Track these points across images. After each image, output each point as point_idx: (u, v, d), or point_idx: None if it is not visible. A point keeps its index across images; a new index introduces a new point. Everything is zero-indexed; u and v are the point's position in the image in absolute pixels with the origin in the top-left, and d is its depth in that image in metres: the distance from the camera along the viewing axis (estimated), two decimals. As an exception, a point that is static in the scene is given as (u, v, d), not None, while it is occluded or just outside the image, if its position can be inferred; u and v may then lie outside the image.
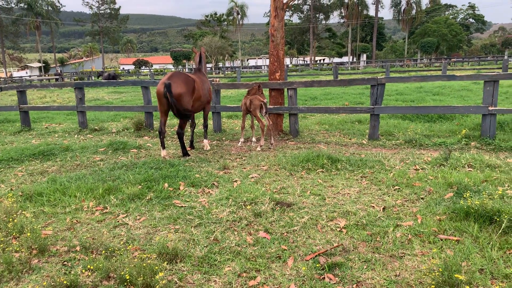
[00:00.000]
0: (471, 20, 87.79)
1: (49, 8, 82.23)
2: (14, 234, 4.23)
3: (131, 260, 3.46)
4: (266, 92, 10.14)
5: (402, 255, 3.69)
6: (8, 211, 4.64)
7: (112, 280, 3.39)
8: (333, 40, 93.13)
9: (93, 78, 52.04)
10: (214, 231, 4.30)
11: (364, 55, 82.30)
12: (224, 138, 9.81)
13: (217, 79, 10.60)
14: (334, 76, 30.08)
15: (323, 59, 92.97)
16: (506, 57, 44.38)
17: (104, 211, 5.04)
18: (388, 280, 3.31)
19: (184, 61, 75.98)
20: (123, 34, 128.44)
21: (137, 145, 8.99)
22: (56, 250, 3.98)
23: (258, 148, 8.35)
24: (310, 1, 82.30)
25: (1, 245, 3.96)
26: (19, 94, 12.44)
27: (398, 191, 5.39)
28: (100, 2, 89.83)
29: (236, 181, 6.08)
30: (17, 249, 3.89)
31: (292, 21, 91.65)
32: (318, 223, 4.45)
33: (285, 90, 9.83)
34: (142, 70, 72.95)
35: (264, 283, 3.33)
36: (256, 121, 8.75)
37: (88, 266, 3.47)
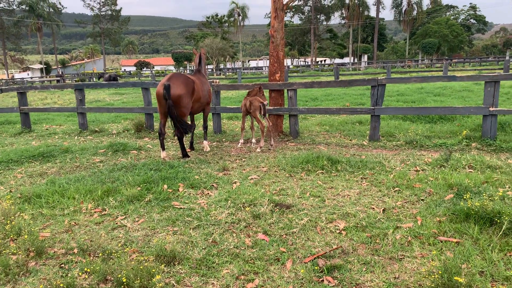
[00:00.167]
0: (472, 20, 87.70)
1: (51, 9, 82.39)
2: (11, 236, 4.21)
3: (128, 262, 3.43)
4: (266, 93, 10.11)
5: (402, 257, 3.66)
6: (6, 213, 4.62)
7: (109, 283, 3.36)
8: (334, 41, 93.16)
9: (94, 80, 52.06)
10: (212, 233, 4.28)
11: (365, 56, 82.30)
12: (224, 139, 9.79)
13: (217, 80, 10.58)
14: (335, 77, 30.07)
15: (324, 60, 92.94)
16: (507, 57, 44.33)
17: (102, 213, 5.02)
18: (387, 283, 3.28)
19: (186, 62, 76.04)
20: (125, 36, 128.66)
21: (137, 147, 8.97)
22: (54, 252, 3.96)
23: (258, 149, 8.32)
24: (311, 2, 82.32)
25: (-2, 248, 3.94)
26: (19, 95, 12.44)
27: (398, 193, 5.36)
28: (101, 4, 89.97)
29: (235, 182, 6.06)
30: (14, 251, 3.86)
31: (293, 22, 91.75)
32: (317, 225, 4.42)
33: (285, 91, 9.81)
34: (144, 72, 73.00)
35: (262, 286, 3.31)
36: (256, 123, 8.72)
37: (85, 269, 3.45)
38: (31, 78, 64.14)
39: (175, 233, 4.34)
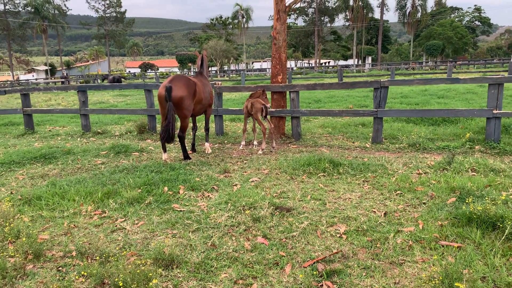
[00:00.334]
0: (477, 22, 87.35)
1: (56, 11, 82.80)
2: (10, 238, 4.20)
3: (126, 266, 3.40)
4: (268, 95, 10.08)
5: (402, 262, 3.61)
6: (5, 215, 4.61)
7: (106, 286, 3.34)
8: (338, 43, 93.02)
9: (98, 81, 52.21)
10: (212, 236, 4.24)
11: (370, 58, 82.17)
12: (226, 141, 9.76)
13: (219, 82, 10.56)
14: (339, 78, 29.99)
15: (328, 62, 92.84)
16: (512, 59, 44.08)
17: (102, 215, 5.00)
18: (387, 288, 3.23)
19: (190, 64, 76.25)
20: (129, 38, 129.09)
21: (139, 148, 8.96)
22: (52, 255, 3.94)
23: (260, 152, 8.29)
24: (315, 4, 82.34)
25: (-4, 250, 3.93)
26: (22, 97, 12.47)
27: (400, 196, 5.31)
28: (106, 6, 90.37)
29: (236, 185, 6.03)
30: (12, 254, 3.85)
31: (297, 24, 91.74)
32: (317, 229, 4.38)
33: (287, 93, 9.77)
34: (148, 73, 73.19)
35: (261, 290, 3.27)
36: (258, 125, 8.69)
37: (82, 272, 3.43)
38: (36, 79, 64.42)
39: (174, 236, 4.31)
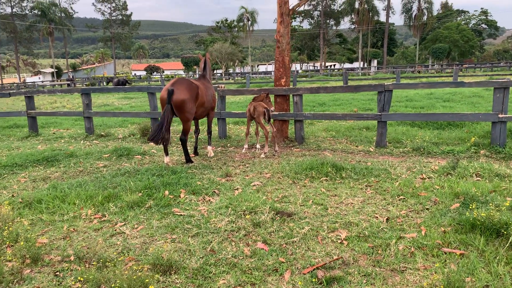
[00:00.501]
0: (483, 25, 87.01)
1: (62, 14, 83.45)
2: (8, 242, 4.17)
3: (123, 271, 3.37)
4: (272, 98, 10.04)
5: (404, 269, 3.55)
6: (4, 219, 4.59)
7: (103, 292, 3.30)
8: (344, 45, 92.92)
9: (104, 84, 52.41)
10: (211, 242, 4.20)
11: (375, 61, 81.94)
12: (229, 145, 9.72)
13: (222, 85, 10.53)
14: (344, 82, 29.93)
15: (334, 65, 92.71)
16: (519, 63, 43.79)
17: (102, 219, 4.97)
18: (388, 296, 3.17)
19: (195, 67, 76.42)
20: (135, 40, 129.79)
21: (141, 151, 8.94)
22: (50, 259, 3.91)
23: (262, 155, 8.24)
24: (320, 7, 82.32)
25: (-7, 254, 3.91)
26: (27, 100, 12.50)
27: (403, 201, 5.24)
28: (112, 9, 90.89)
29: (237, 189, 5.98)
30: (10, 258, 3.82)
31: (302, 27, 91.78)
32: (318, 234, 4.32)
33: (291, 96, 9.73)
34: (154, 76, 73.43)
35: (259, 298, 3.22)
36: (261, 128, 8.65)
37: (79, 278, 3.39)
38: (42, 82, 64.82)
39: (173, 241, 4.27)
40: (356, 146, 9.08)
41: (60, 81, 68.33)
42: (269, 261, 3.76)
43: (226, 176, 6.75)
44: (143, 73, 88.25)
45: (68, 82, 55.67)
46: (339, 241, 4.15)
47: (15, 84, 55.98)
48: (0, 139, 12.03)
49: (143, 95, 28.76)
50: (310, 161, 6.98)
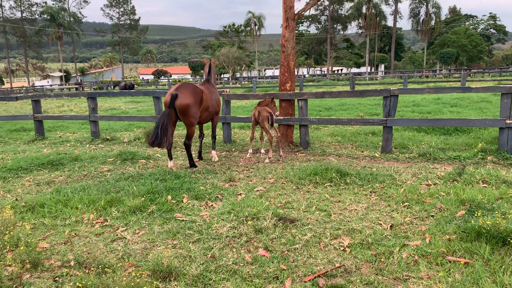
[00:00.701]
0: (492, 30, 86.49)
1: (71, 19, 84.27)
2: (9, 247, 4.16)
3: (121, 278, 3.33)
4: (276, 102, 10.00)
5: (407, 277, 3.48)
6: (6, 223, 4.58)
7: (101, 298, 3.27)
8: (351, 50, 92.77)
9: (110, 88, 52.72)
10: (212, 248, 4.16)
11: (382, 66, 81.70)
12: (233, 149, 9.69)
13: (227, 90, 10.52)
14: (351, 86, 29.86)
15: (341, 69, 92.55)
16: (528, 68, 43.43)
17: (104, 224, 4.95)
18: (390, 306, 3.11)
19: (202, 71, 76.54)
20: (143, 45, 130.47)
21: (146, 156, 8.93)
22: (50, 264, 3.89)
23: (267, 160, 8.20)
24: (327, 12, 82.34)
25: (-7, 259, 3.89)
26: (33, 103, 12.58)
27: (407, 208, 5.17)
28: (121, 13, 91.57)
29: (240, 194, 5.94)
30: (10, 263, 3.80)
31: (309, 31, 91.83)
32: (321, 241, 4.26)
33: (296, 101, 9.69)
34: (161, 80, 73.77)
35: (258, 306, 3.17)
36: (265, 133, 8.61)
37: (78, 284, 3.36)
38: (51, 85, 65.36)
39: (174, 247, 4.24)
40: (362, 152, 9.01)
41: (69, 85, 68.90)
42: (270, 268, 3.71)
43: (230, 181, 6.71)
44: (151, 77, 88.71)
45: (76, 86, 56.13)
46: (341, 248, 4.09)
47: (24, 88, 56.52)
48: (7, 143, 12.11)
49: (149, 99, 28.86)
50: (314, 166, 6.93)
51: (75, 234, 4.66)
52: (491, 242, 3.87)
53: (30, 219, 5.13)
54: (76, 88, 54.61)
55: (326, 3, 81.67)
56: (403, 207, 5.22)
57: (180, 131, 12.52)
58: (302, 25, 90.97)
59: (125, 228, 4.81)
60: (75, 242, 4.45)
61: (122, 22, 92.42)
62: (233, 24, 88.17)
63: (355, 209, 5.21)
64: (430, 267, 3.64)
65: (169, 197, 5.69)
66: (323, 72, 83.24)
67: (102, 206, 5.43)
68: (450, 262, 3.68)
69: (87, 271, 3.69)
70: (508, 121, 7.61)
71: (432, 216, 4.85)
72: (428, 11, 76.81)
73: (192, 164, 7.74)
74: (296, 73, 77.85)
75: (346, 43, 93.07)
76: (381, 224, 4.67)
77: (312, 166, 6.96)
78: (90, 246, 4.32)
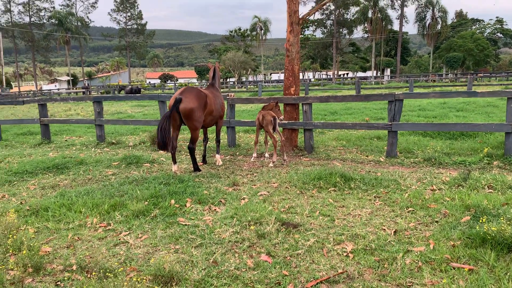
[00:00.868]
0: (499, 34, 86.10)
1: (79, 23, 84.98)
2: (12, 251, 4.17)
3: (122, 283, 3.33)
4: (281, 106, 9.99)
5: (410, 284, 3.45)
6: (9, 227, 4.60)
7: (102, 303, 3.26)
8: (357, 54, 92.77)
9: (116, 92, 52.99)
10: (214, 253, 4.14)
11: (388, 70, 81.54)
12: (237, 153, 9.69)
13: (232, 94, 10.53)
14: (357, 90, 29.83)
15: (347, 74, 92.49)
16: (536, 72, 43.14)
17: (107, 228, 4.95)
18: (392, 313, 3.07)
19: (208, 75, 76.86)
20: (150, 49, 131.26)
21: (150, 159, 8.95)
22: (52, 268, 3.89)
23: (271, 164, 8.19)
24: (333, 16, 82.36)
25: (-4, 263, 3.90)
26: (40, 107, 12.66)
27: (411, 213, 5.13)
28: (128, 18, 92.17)
29: (244, 198, 5.92)
30: (12, 267, 3.81)
31: (315, 35, 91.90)
32: (324, 247, 4.23)
33: (300, 105, 9.67)
34: (168, 84, 74.06)
35: (260, 312, 3.15)
36: (269, 137, 8.60)
37: (79, 288, 3.36)
38: (58, 89, 65.87)
39: (176, 252, 4.23)
40: (367, 156, 8.97)
41: (76, 89, 69.39)
42: (272, 274, 3.68)
43: (233, 185, 6.70)
44: (158, 81, 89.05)
45: (83, 90, 56.50)
46: (344, 254, 4.06)
47: (31, 92, 56.98)
48: (13, 146, 12.19)
49: (156, 103, 28.92)
50: (318, 170, 6.90)
51: (78, 238, 4.67)
52: (496, 248, 3.83)
53: (34, 223, 5.14)
54: (83, 92, 54.96)
55: (332, 7, 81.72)
56: (407, 212, 5.18)
57: (184, 135, 12.54)
58: (308, 30, 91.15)
59: (128, 232, 4.80)
60: (78, 246, 4.46)
61: (129, 26, 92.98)
62: (239, 29, 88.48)
63: (359, 214, 5.18)
64: (434, 273, 3.60)
65: (173, 201, 5.69)
66: (328, 76, 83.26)
67: (105, 210, 5.43)
68: (454, 268, 3.63)
69: (88, 276, 3.69)
70: (514, 126, 7.54)
71: (437, 221, 4.80)
72: (434, 15, 76.64)
73: (196, 168, 7.74)
74: (301, 77, 77.85)
75: (352, 47, 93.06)
76: (385, 229, 4.64)
77: (316, 171, 6.93)
78: (92, 250, 4.32)
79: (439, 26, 76.11)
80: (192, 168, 7.85)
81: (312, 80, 69.71)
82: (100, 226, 5.00)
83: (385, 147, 9.14)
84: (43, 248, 4.33)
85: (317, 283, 3.48)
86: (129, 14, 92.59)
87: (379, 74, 79.81)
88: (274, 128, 8.21)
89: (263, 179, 7.08)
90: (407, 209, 5.25)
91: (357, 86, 30.04)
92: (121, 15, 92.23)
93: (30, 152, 10.82)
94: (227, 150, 10.08)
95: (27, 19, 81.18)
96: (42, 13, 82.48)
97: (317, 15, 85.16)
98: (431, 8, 76.92)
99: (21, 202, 6.13)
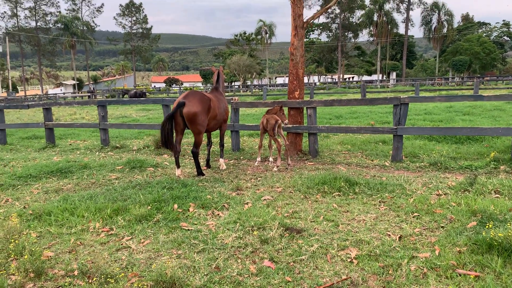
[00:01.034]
0: (505, 38, 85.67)
1: (84, 28, 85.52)
2: (14, 255, 4.15)
3: (123, 288, 3.30)
4: (285, 110, 9.95)
5: (415, 291, 3.39)
6: (12, 231, 4.58)
7: (103, 309, 3.23)
8: (362, 58, 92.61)
9: (120, 96, 53.19)
10: (217, 258, 4.10)
11: (394, 74, 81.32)
12: (241, 157, 9.65)
13: (236, 98, 10.51)
14: (362, 94, 29.74)
15: (352, 77, 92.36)
16: (542, 75, 42.86)
17: (109, 233, 4.93)
18: (397, 321, 3.02)
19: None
20: (155, 53, 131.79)
21: (154, 164, 8.93)
22: (53, 274, 3.87)
23: (275, 169, 8.14)
24: (338, 20, 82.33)
25: (-3, 268, 3.88)
26: (44, 111, 12.70)
27: (417, 219, 5.06)
28: (133, 22, 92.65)
29: (247, 203, 5.88)
30: (13, 272, 3.79)
31: (320, 39, 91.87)
32: (328, 253, 4.18)
33: (305, 109, 9.63)
34: (173, 88, 74.30)
35: (262, 319, 3.10)
36: (273, 141, 8.56)
37: (80, 294, 3.33)
38: (64, 93, 66.19)
39: (178, 257, 4.19)
40: (372, 160, 8.90)
41: (81, 92, 69.73)
42: (275, 280, 3.64)
43: (237, 189, 6.66)
44: (163, 85, 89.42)
45: (89, 94, 56.78)
46: (348, 259, 4.00)
47: (37, 96, 57.33)
48: (18, 150, 12.23)
49: (161, 106, 28.99)
50: (322, 175, 6.84)
51: (80, 242, 4.64)
52: (503, 255, 3.76)
53: (37, 227, 5.13)
54: (89, 96, 55.24)
55: (337, 11, 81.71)
56: (413, 217, 5.11)
57: (188, 139, 12.53)
58: (313, 33, 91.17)
59: (131, 237, 4.77)
60: (80, 251, 4.43)
61: (135, 31, 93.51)
62: (244, 33, 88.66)
63: (364, 220, 5.12)
64: (440, 280, 3.54)
65: (176, 206, 5.65)
66: (334, 80, 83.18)
67: (108, 215, 5.41)
68: (460, 275, 3.57)
69: (90, 281, 3.66)
70: (521, 130, 7.46)
71: (442, 227, 4.73)
72: (440, 19, 76.44)
73: (200, 172, 7.71)
74: (306, 81, 77.66)
75: (357, 51, 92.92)
76: (389, 235, 4.58)
77: (320, 175, 6.87)
78: (94, 255, 4.29)
79: (445, 30, 75.87)
80: (196, 173, 7.82)
81: (318, 84, 69.72)
82: (102, 231, 4.97)
83: (391, 151, 9.07)
84: (45, 253, 4.31)
85: (320, 290, 3.43)
86: (134, 18, 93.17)
87: (384, 78, 79.62)
88: (273, 130, 8.15)
89: (267, 184, 7.03)
90: (412, 214, 5.19)
91: (362, 90, 29.95)
92: (126, 19, 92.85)
93: (34, 156, 10.84)
94: (231, 154, 10.05)
95: (33, 24, 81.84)
96: (48, 18, 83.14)
97: (322, 19, 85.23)
98: (437, 11, 76.73)
99: (24, 206, 6.13)
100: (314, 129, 9.22)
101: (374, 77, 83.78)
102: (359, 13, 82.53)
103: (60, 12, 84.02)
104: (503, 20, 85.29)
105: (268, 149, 9.12)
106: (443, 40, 77.00)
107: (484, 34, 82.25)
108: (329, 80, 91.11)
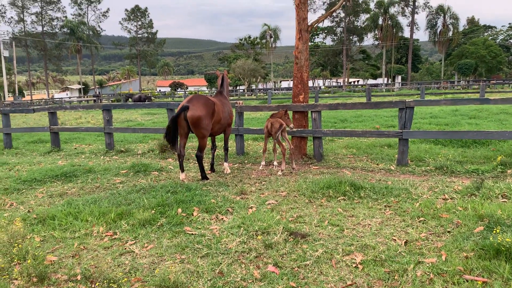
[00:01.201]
0: (511, 41, 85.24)
1: (90, 32, 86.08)
2: (17, 260, 4.14)
3: (126, 294, 3.27)
4: (290, 114, 9.92)
5: (422, 297, 3.34)
6: (15, 235, 4.57)
7: (105, 314, 3.20)
8: (367, 61, 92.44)
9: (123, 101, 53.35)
10: (220, 263, 4.07)
11: (399, 77, 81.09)
12: (246, 161, 9.62)
13: (241, 101, 10.49)
14: (367, 98, 29.63)
15: (358, 81, 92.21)
16: (549, 79, 42.59)
17: (113, 237, 4.91)
18: (403, 327, 2.97)
19: (218, 83, 77.13)
20: (161, 58, 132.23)
21: (158, 168, 8.92)
22: (56, 278, 3.85)
23: (280, 173, 8.10)
24: (343, 24, 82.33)
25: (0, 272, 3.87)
26: (50, 115, 12.75)
27: (423, 223, 5.00)
28: (138, 27, 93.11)
29: (251, 207, 5.84)
30: (16, 276, 3.77)
31: (325, 43, 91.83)
32: (333, 258, 4.13)
33: (309, 113, 9.60)
34: (178, 92, 74.51)
35: (266, 325, 3.06)
36: (278, 145, 8.53)
37: (82, 299, 3.31)
38: (70, 98, 66.61)
39: (182, 262, 4.16)
40: (377, 164, 8.84)
41: (87, 97, 70.07)
42: (279, 285, 3.60)
43: (241, 193, 6.63)
44: (168, 89, 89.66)
45: (94, 98, 57.05)
46: (354, 265, 3.96)
47: (43, 100, 57.70)
48: (23, 154, 12.27)
49: (166, 110, 29.03)
50: (327, 179, 6.80)
51: (83, 247, 4.62)
52: (511, 260, 3.70)
53: (40, 232, 5.12)
54: (94, 101, 55.49)
55: (342, 15, 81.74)
56: (419, 222, 5.05)
57: (192, 143, 12.52)
58: (318, 37, 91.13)
59: (134, 241, 4.75)
60: (83, 255, 4.41)
61: (140, 35, 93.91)
62: (249, 37, 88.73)
63: (369, 224, 5.07)
64: (446, 286, 3.49)
65: (180, 210, 5.63)
66: (339, 84, 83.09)
67: (112, 219, 5.39)
68: (467, 281, 3.51)
69: (92, 286, 3.63)
70: (528, 134, 7.39)
71: (449, 232, 4.67)
72: (446, 22, 76.28)
73: (204, 176, 7.69)
74: (311, 84, 77.61)
75: (362, 54, 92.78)
76: (395, 240, 4.52)
77: (325, 179, 6.83)
78: (97, 259, 4.27)
79: (450, 33, 75.69)
80: (200, 177, 7.80)
81: (322, 87, 69.68)
82: (106, 235, 4.96)
83: (396, 155, 9.00)
84: (48, 257, 4.29)
85: (325, 296, 3.39)
86: (139, 23, 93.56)
87: (390, 81, 79.43)
88: (276, 133, 8.12)
89: (272, 188, 7.00)
90: (418, 219, 5.13)
91: (367, 94, 29.84)
92: (132, 24, 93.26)
93: (39, 160, 10.86)
94: (235, 158, 10.02)
95: (39, 29, 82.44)
96: (54, 23, 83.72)
97: (327, 23, 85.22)
98: (442, 15, 76.60)
99: (28, 211, 6.13)
100: (319, 133, 9.18)
101: (379, 80, 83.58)
102: (364, 16, 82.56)
103: (66, 17, 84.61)
104: (509, 23, 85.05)
105: (273, 153, 9.09)
106: (448, 43, 76.81)
107: (490, 37, 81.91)
108: (334, 83, 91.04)
